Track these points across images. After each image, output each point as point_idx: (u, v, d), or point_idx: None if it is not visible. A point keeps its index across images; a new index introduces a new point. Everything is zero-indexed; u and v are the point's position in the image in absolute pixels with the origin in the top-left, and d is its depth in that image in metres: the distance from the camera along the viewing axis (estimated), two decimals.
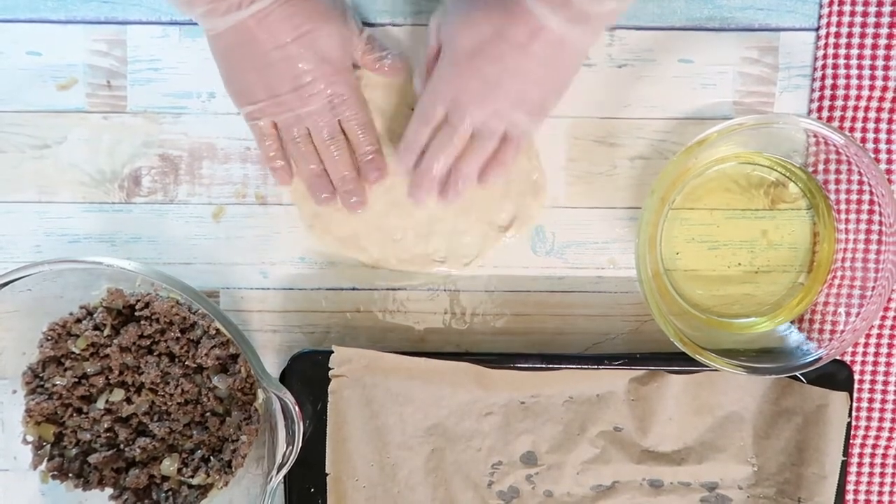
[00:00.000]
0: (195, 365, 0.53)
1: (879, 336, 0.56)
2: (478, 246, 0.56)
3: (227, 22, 0.47)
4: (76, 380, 0.53)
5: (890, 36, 0.53)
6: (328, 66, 0.50)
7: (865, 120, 0.54)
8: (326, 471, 0.54)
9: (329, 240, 0.56)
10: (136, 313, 0.53)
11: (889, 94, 0.54)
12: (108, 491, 0.54)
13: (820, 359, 0.51)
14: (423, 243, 0.56)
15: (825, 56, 0.54)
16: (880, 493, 0.57)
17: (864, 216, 0.53)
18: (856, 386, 0.56)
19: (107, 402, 0.54)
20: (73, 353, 0.53)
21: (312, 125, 0.52)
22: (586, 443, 0.54)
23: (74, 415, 0.54)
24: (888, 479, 0.57)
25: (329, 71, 0.50)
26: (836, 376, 0.54)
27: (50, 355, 0.53)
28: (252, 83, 0.50)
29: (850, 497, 0.57)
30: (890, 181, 0.55)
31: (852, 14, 0.54)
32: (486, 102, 0.48)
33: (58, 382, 0.53)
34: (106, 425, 0.54)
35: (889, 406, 0.56)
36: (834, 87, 0.54)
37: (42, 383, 0.53)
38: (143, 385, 0.54)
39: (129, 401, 0.54)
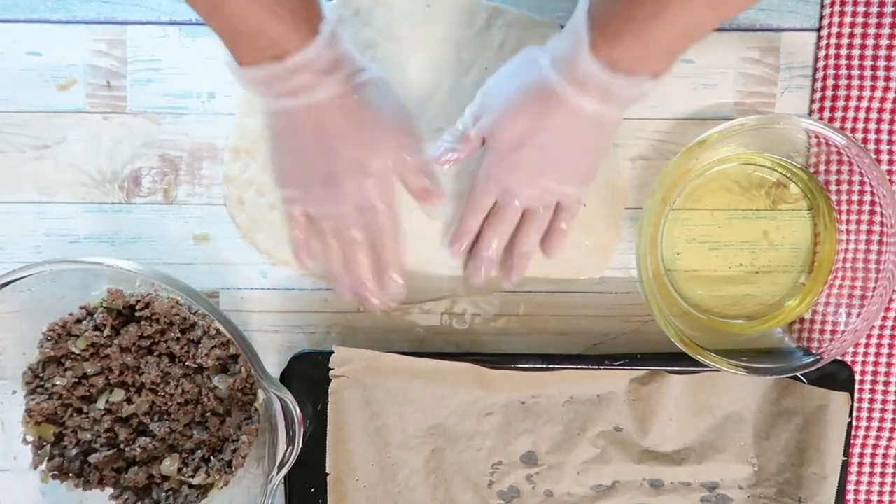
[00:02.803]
0: (195, 365, 0.53)
1: (880, 336, 0.56)
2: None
3: (289, 103, 0.46)
4: (76, 380, 0.53)
5: (891, 36, 0.53)
6: (366, 173, 0.48)
7: (867, 120, 0.54)
8: (327, 471, 0.54)
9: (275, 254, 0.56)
10: (136, 314, 0.53)
11: (890, 95, 0.54)
12: (109, 491, 0.54)
13: (820, 359, 0.51)
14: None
15: (826, 56, 0.54)
16: (880, 493, 0.57)
17: (865, 217, 0.53)
18: (856, 386, 0.56)
19: (107, 402, 0.54)
20: (73, 353, 0.53)
21: (342, 224, 0.50)
22: (587, 443, 0.54)
23: (74, 415, 0.54)
24: (888, 479, 0.57)
25: (366, 178, 0.49)
26: (836, 376, 0.54)
27: (50, 355, 0.53)
28: (290, 168, 0.50)
29: (850, 497, 0.57)
30: (891, 182, 0.55)
31: (853, 14, 0.53)
32: (534, 184, 0.49)
33: (58, 382, 0.53)
34: (106, 425, 0.54)
35: (889, 406, 0.56)
36: (835, 87, 0.54)
37: (42, 383, 0.53)
38: (143, 385, 0.54)
39: (129, 401, 0.54)
